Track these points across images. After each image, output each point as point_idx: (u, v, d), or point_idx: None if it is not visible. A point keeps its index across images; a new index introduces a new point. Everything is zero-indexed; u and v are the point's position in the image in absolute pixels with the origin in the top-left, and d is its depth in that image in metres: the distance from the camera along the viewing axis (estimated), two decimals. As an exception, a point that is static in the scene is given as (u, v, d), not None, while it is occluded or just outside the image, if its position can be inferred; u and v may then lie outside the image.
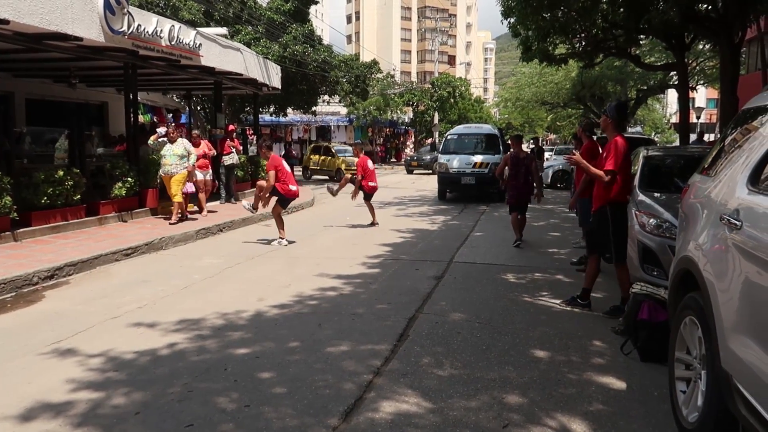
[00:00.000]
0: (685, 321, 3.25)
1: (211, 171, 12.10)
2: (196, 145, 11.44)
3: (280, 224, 9.17)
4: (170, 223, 10.13)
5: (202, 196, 11.49)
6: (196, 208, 11.64)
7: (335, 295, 6.09)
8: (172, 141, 10.51)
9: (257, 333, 4.82)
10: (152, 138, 11.69)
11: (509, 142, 10.60)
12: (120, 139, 14.29)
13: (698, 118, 35.72)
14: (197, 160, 11.05)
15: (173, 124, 13.53)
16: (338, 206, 13.98)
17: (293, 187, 9.05)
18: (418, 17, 79.26)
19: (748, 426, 2.41)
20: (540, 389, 3.74)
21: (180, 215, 10.45)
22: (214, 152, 12.74)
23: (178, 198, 10.28)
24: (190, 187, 10.95)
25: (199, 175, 11.44)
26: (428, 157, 28.99)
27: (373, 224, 10.97)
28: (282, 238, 9.06)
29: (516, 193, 9.25)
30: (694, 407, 3.03)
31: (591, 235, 5.92)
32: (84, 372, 3.99)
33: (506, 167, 9.48)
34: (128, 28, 9.62)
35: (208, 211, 11.71)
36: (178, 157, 10.39)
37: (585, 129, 7.65)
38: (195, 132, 12.13)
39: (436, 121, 40.47)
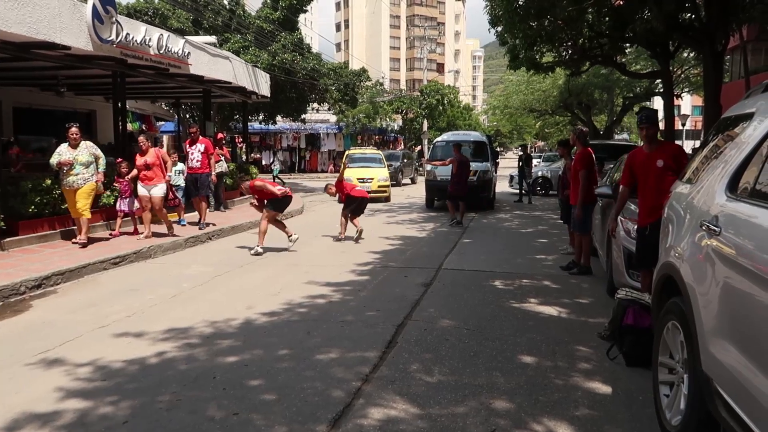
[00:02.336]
0: (668, 326, 3.30)
1: (164, 185, 9.61)
2: (143, 152, 9.50)
3: (282, 227, 9.43)
4: (73, 241, 8.73)
5: (147, 215, 9.50)
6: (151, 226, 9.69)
7: (324, 302, 6.10)
8: (73, 145, 8.61)
9: (246, 341, 4.82)
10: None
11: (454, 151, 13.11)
12: (109, 147, 14.22)
13: (684, 125, 36.21)
14: (140, 171, 9.43)
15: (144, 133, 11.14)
16: (327, 214, 14.00)
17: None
18: (407, 25, 79.70)
19: (729, 429, 2.46)
20: (527, 394, 3.78)
21: (86, 239, 8.65)
22: (173, 160, 11.15)
23: (87, 214, 8.63)
24: (125, 205, 9.63)
25: (141, 190, 9.47)
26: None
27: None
28: (290, 237, 9.31)
29: (457, 187, 12.59)
30: (677, 411, 3.09)
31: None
32: (72, 381, 3.98)
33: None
34: (116, 36, 9.62)
35: (167, 232, 9.61)
36: (82, 166, 8.53)
37: (579, 137, 7.91)
38: (141, 137, 9.79)
39: (425, 128, 40.62)
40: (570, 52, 16.52)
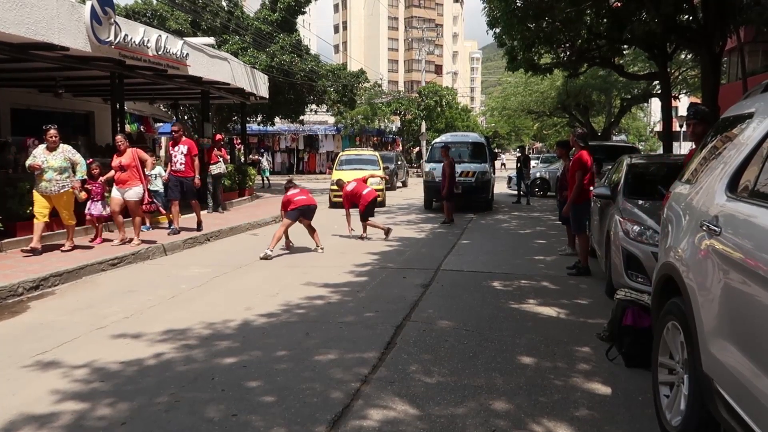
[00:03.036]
0: (668, 326, 3.29)
1: (140, 188, 8.98)
2: (121, 152, 8.92)
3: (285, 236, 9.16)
4: (62, 251, 8.26)
5: (137, 220, 9.08)
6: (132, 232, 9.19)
7: (323, 303, 6.09)
8: (51, 148, 8.05)
9: (245, 342, 4.81)
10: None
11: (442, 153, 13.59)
12: (107, 148, 14.21)
13: (681, 126, 36.22)
14: (116, 172, 8.86)
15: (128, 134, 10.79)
16: (326, 215, 13.98)
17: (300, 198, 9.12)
18: (405, 27, 79.73)
19: (730, 429, 2.46)
20: (526, 395, 3.77)
21: (73, 244, 8.42)
22: (152, 160, 10.53)
23: (72, 221, 8.32)
24: (96, 209, 9.02)
25: (115, 193, 8.93)
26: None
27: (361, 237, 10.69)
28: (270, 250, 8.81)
29: (450, 188, 13.12)
30: (678, 411, 3.08)
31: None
32: (69, 383, 3.96)
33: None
34: (115, 37, 9.61)
35: (138, 241, 8.96)
36: (54, 171, 7.94)
37: (579, 138, 7.98)
38: (119, 136, 9.19)
39: (423, 129, 40.65)
40: (568, 53, 16.54)
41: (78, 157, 8.28)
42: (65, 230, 8.57)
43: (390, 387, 3.88)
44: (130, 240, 8.99)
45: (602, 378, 4.08)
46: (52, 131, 8.07)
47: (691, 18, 12.79)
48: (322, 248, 9.30)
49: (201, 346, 4.72)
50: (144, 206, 9.32)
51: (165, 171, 10.87)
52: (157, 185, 10.85)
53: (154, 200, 10.12)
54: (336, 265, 8.06)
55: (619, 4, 13.91)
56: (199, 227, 10.52)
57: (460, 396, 3.74)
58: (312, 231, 9.40)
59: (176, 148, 10.45)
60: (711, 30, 11.62)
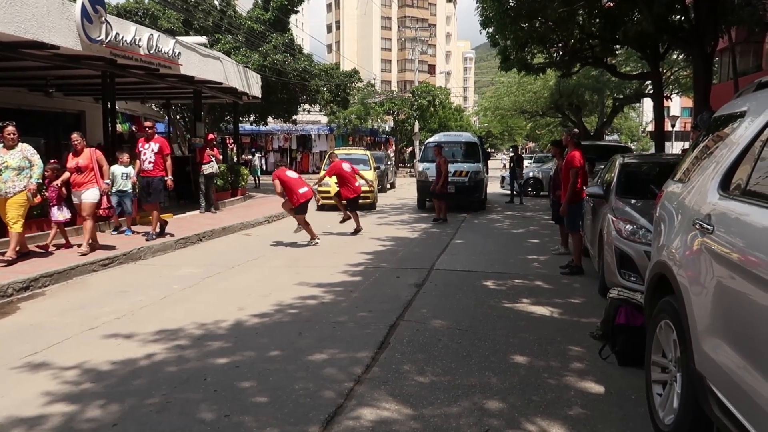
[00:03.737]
0: (661, 324, 3.30)
1: (96, 190, 8.31)
2: (77, 152, 8.30)
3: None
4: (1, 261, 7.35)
5: (88, 224, 8.16)
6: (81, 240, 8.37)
7: (316, 303, 6.07)
8: (8, 146, 7.48)
9: (237, 342, 4.78)
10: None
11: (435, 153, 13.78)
12: (98, 148, 14.09)
13: (673, 126, 36.46)
14: (72, 174, 8.27)
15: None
16: (319, 214, 13.95)
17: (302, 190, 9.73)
18: (398, 27, 79.73)
19: (722, 427, 2.46)
20: (520, 394, 3.76)
21: (18, 250, 7.53)
22: (121, 162, 10.02)
23: (17, 227, 7.41)
24: (56, 214, 8.44)
25: (74, 197, 8.41)
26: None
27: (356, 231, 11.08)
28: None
29: (444, 186, 13.47)
30: (670, 409, 3.08)
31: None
32: (59, 384, 3.92)
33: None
34: (106, 36, 9.54)
35: (86, 248, 8.08)
36: (12, 171, 7.35)
37: (573, 137, 8.05)
38: (74, 134, 8.43)
39: (416, 129, 40.64)
40: (561, 53, 16.58)
41: (36, 158, 7.62)
42: (48, 232, 8.54)
43: (383, 386, 3.87)
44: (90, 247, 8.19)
45: (595, 377, 4.08)
46: (10, 128, 7.47)
47: (683, 18, 12.84)
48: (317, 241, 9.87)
49: (193, 346, 4.69)
50: (100, 210, 8.63)
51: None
52: (127, 186, 9.98)
53: (111, 205, 9.45)
54: (329, 265, 8.04)
55: (611, 4, 13.95)
56: (153, 234, 9.44)
57: (453, 395, 3.73)
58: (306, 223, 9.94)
59: (146, 146, 9.60)
60: (703, 30, 11.68)
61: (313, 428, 3.29)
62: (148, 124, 10.10)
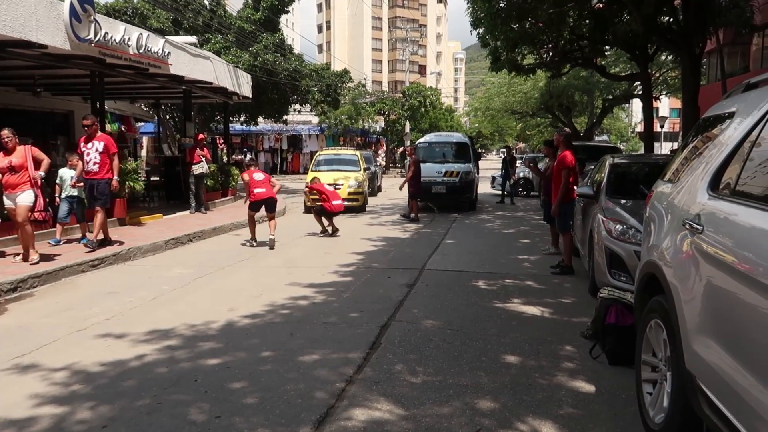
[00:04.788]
0: (651, 324, 3.32)
1: (31, 192, 7.45)
2: (9, 150, 7.47)
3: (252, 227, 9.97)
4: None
5: (28, 229, 7.43)
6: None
7: (307, 303, 6.05)
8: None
9: (228, 343, 4.76)
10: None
11: (407, 152, 13.90)
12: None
13: (662, 127, 36.74)
14: (4, 175, 7.43)
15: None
16: (310, 215, 13.92)
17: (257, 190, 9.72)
18: (389, 27, 79.73)
19: (712, 426, 2.48)
20: (511, 394, 3.77)
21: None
22: (70, 164, 9.06)
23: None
24: None
25: (7, 201, 7.57)
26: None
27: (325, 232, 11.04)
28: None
29: (417, 186, 13.71)
30: (660, 408, 3.10)
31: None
32: (48, 386, 3.89)
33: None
34: (95, 35, 9.47)
35: (36, 257, 7.45)
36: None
37: (564, 137, 8.06)
38: (5, 131, 7.50)
39: (407, 130, 40.67)
40: (551, 54, 16.66)
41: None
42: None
43: (375, 387, 3.87)
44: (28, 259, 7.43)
45: (586, 376, 4.10)
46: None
47: (671, 19, 12.94)
48: (272, 236, 9.72)
49: (184, 347, 4.66)
50: (35, 214, 7.59)
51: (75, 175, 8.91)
52: (73, 191, 9.00)
53: (65, 212, 8.85)
54: (320, 265, 8.03)
55: (601, 6, 14.04)
56: (105, 242, 8.76)
57: (445, 395, 3.74)
58: (270, 219, 9.98)
59: (89, 145, 8.68)
60: (691, 31, 11.77)
61: (304, 429, 3.28)
62: (86, 122, 8.81)
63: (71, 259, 7.75)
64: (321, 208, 10.99)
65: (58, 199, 9.06)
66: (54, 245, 8.72)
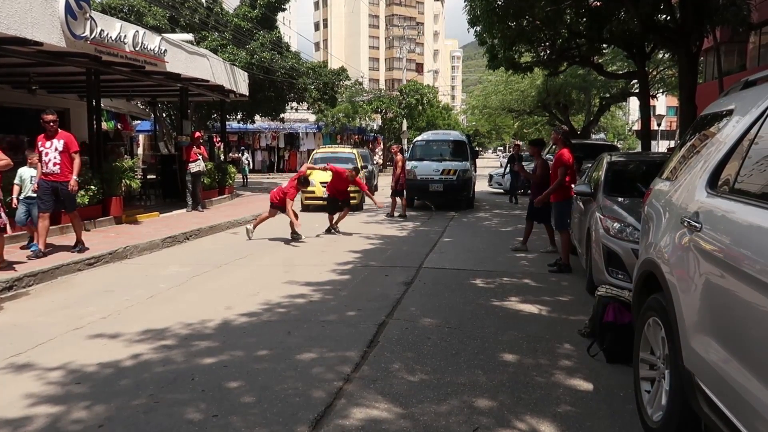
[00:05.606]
0: (649, 322, 3.31)
1: None
2: None
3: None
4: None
5: None
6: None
7: (304, 302, 6.04)
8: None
9: (225, 342, 4.74)
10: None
11: (393, 151, 13.71)
12: (83, 146, 13.89)
13: (659, 125, 36.76)
14: None
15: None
16: (307, 213, 13.91)
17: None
18: (386, 25, 79.73)
19: (711, 424, 2.47)
20: (509, 392, 3.77)
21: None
22: (30, 163, 8.20)
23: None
24: None
25: None
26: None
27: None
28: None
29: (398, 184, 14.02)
30: (659, 406, 3.09)
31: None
32: (44, 386, 3.86)
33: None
34: (91, 33, 9.42)
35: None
36: None
37: (562, 135, 8.08)
38: None
39: (404, 128, 40.64)
40: (548, 52, 16.65)
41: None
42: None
43: (373, 385, 3.86)
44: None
45: (584, 374, 4.09)
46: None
47: (669, 18, 12.95)
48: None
49: (180, 346, 4.65)
50: None
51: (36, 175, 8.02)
52: (29, 192, 8.15)
53: (23, 214, 8.05)
54: (317, 264, 8.01)
55: (598, 3, 14.03)
56: (78, 247, 8.15)
57: (443, 394, 3.73)
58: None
59: (48, 144, 7.90)
60: (688, 30, 11.77)
61: (302, 428, 3.26)
62: (48, 117, 7.97)
63: (67, 257, 7.71)
64: (332, 197, 11.17)
65: (15, 201, 8.05)
66: (34, 252, 7.68)
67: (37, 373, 4.10)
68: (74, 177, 7.99)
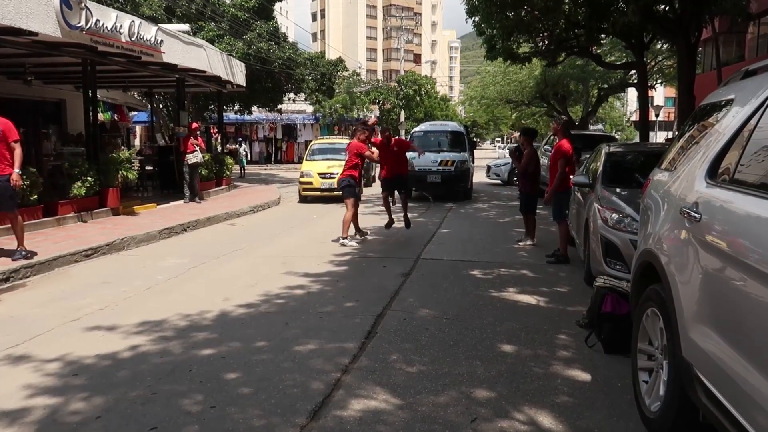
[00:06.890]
0: (647, 312, 3.31)
1: None
2: None
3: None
4: None
5: None
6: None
7: (302, 293, 6.03)
8: None
9: (223, 333, 4.74)
10: None
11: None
12: (79, 137, 13.82)
13: (657, 116, 36.74)
14: None
15: None
16: (305, 205, 13.89)
17: None
18: (384, 15, 79.32)
19: (708, 414, 2.47)
20: (507, 383, 3.77)
21: None
22: None
23: None
24: None
25: None
26: None
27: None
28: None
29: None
30: (656, 397, 3.10)
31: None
32: (41, 377, 3.86)
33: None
34: (86, 23, 9.35)
35: None
36: None
37: (563, 126, 8.05)
38: None
39: (402, 119, 40.58)
40: (546, 42, 16.55)
41: None
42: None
43: (371, 376, 3.86)
44: None
45: (582, 365, 4.10)
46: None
47: (667, 8, 12.88)
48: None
49: (178, 337, 4.64)
50: None
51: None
52: None
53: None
54: (315, 255, 8.00)
55: (597, -6, 13.93)
56: (22, 253, 6.98)
57: (441, 384, 3.73)
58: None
59: None
60: (687, 20, 11.72)
61: (300, 419, 3.26)
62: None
63: (64, 249, 7.69)
64: (386, 180, 9.99)
65: None
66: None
67: (34, 364, 4.09)
68: (16, 170, 6.86)
